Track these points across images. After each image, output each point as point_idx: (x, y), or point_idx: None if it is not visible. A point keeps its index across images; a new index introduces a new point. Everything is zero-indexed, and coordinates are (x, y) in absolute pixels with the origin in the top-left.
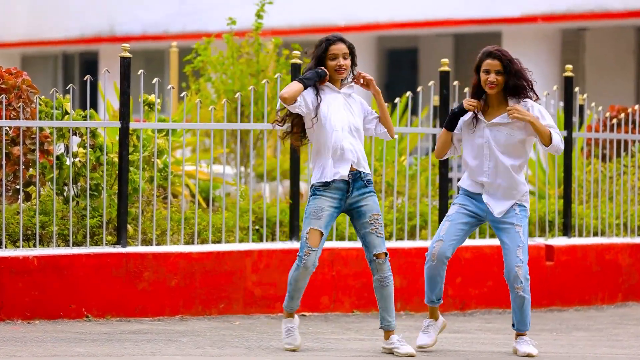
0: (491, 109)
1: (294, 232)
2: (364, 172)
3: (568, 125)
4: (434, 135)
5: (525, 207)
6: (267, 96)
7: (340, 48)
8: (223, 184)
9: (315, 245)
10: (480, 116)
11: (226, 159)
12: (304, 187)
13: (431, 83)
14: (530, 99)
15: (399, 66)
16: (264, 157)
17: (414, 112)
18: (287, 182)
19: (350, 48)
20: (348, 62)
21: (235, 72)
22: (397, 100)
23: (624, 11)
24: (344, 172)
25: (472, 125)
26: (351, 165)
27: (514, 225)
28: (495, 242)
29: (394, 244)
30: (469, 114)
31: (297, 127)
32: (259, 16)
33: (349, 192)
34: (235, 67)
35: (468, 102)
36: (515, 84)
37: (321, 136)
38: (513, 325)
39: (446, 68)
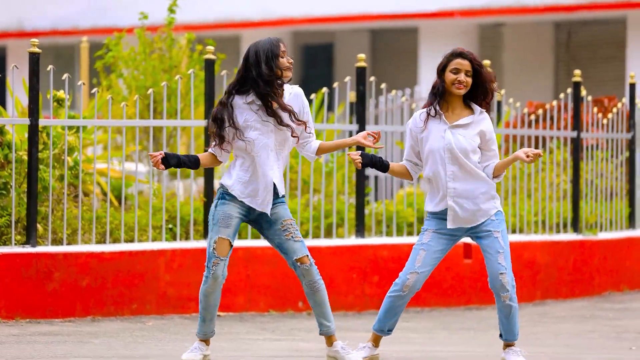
0: (451, 113)
1: (208, 230)
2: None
3: None
4: (350, 132)
5: (500, 211)
6: (180, 92)
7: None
8: (135, 182)
9: (224, 255)
10: (443, 118)
11: (139, 157)
12: (218, 184)
13: (347, 79)
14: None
15: (314, 62)
16: None
17: (330, 108)
18: (200, 180)
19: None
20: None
21: (148, 68)
22: (312, 96)
23: (541, 6)
24: None
25: (427, 129)
26: None
27: (491, 232)
28: (413, 239)
29: (310, 242)
30: (423, 118)
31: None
32: (171, 11)
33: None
34: (147, 62)
35: (353, 157)
36: (485, 90)
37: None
38: (500, 335)
39: (362, 64)
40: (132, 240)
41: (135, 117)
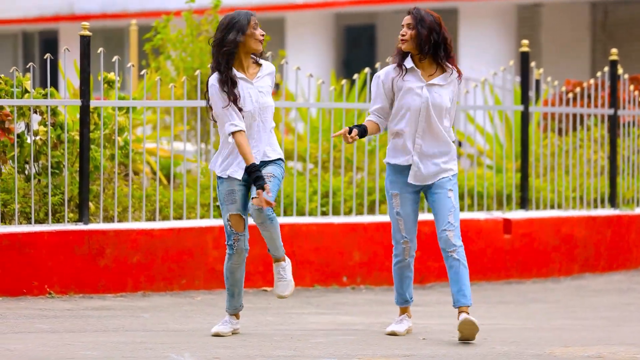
0: (422, 71)
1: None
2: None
3: (525, 100)
4: None
5: (456, 173)
6: None
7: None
8: (184, 161)
9: (241, 230)
10: (419, 74)
11: (187, 136)
12: None
13: (389, 59)
14: (453, 68)
15: (357, 43)
16: None
17: None
18: None
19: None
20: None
21: (195, 50)
22: (355, 76)
23: None
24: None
25: (403, 84)
26: None
27: (446, 191)
28: None
29: (354, 219)
30: (394, 74)
31: None
32: None
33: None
34: (194, 44)
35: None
36: (421, 40)
37: None
38: (453, 303)
39: None
40: (180, 218)
41: (183, 98)
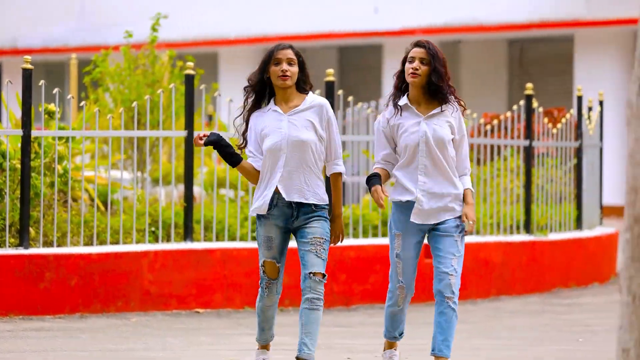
0: (419, 106)
1: (188, 233)
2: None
3: None
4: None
5: (460, 215)
6: (162, 105)
7: (286, 53)
8: (121, 188)
9: (274, 277)
10: (415, 110)
11: (124, 165)
12: (197, 190)
13: (317, 92)
14: (454, 104)
15: None
16: (159, 163)
17: None
18: (181, 186)
19: (298, 55)
20: (295, 68)
21: (132, 83)
22: None
23: (496, 25)
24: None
25: (400, 123)
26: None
27: (454, 236)
28: (378, 241)
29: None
30: (390, 116)
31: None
32: (154, 30)
33: (294, 216)
34: (132, 77)
35: (377, 195)
36: (438, 77)
37: None
38: (433, 349)
39: (331, 78)
40: (117, 242)
41: (121, 128)
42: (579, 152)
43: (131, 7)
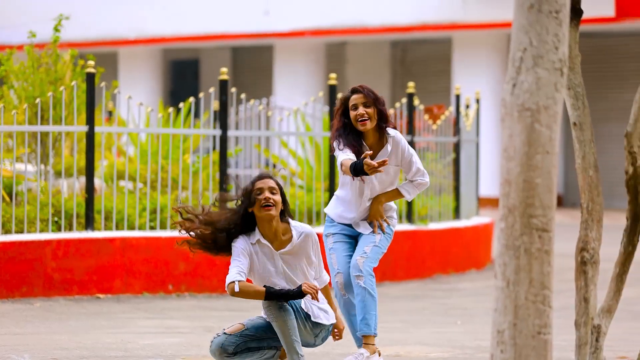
0: (370, 146)
1: (89, 222)
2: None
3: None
4: (214, 137)
5: (394, 225)
6: (65, 101)
7: (267, 182)
8: (25, 181)
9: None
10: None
11: (28, 158)
12: (97, 182)
13: (211, 90)
14: (391, 135)
15: (182, 75)
16: (61, 156)
17: (197, 115)
18: (82, 179)
19: (278, 184)
20: (278, 197)
21: (36, 80)
22: (181, 105)
23: (380, 27)
24: None
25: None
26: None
27: (374, 233)
28: None
29: (179, 233)
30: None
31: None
32: (56, 30)
33: None
34: (35, 75)
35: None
36: (384, 119)
37: None
38: (356, 331)
39: (225, 77)
40: (22, 232)
41: (25, 124)
42: (457, 147)
43: (35, 8)
